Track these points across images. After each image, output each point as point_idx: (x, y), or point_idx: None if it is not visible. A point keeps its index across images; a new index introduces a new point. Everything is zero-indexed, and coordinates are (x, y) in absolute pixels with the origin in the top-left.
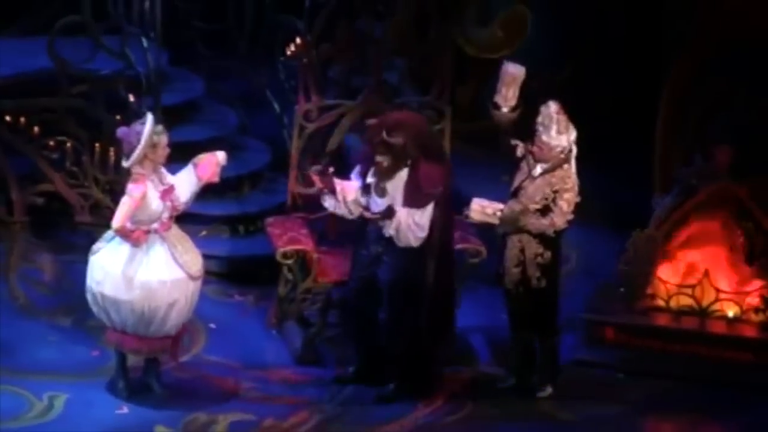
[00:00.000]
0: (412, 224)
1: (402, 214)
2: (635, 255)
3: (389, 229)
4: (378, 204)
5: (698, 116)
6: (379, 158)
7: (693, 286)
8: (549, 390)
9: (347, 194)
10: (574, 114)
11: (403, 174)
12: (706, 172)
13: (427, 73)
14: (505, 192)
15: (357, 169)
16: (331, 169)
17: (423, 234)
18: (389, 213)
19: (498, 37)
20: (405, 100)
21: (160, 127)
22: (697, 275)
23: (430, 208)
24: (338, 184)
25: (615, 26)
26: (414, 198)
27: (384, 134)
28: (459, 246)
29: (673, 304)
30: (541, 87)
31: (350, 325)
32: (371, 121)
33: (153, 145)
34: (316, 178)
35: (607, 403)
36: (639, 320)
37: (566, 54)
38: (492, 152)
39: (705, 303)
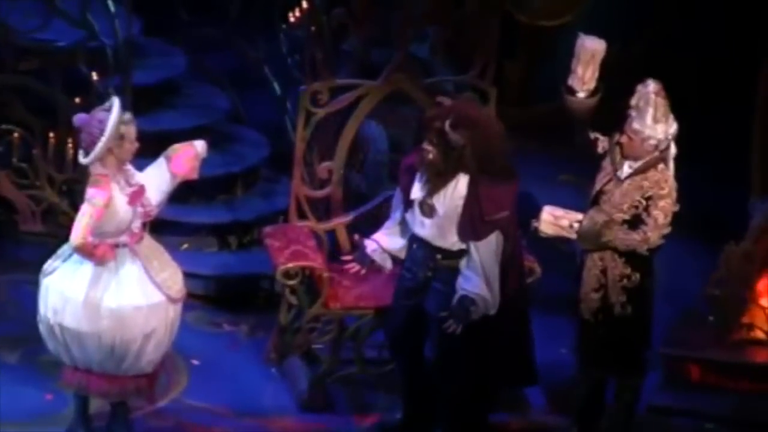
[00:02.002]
0: (476, 272)
1: (482, 290)
2: (728, 275)
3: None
4: (424, 225)
5: None
6: (427, 147)
7: None
8: None
9: (390, 246)
10: None
11: (457, 192)
12: None
13: (466, 45)
14: (563, 195)
15: (397, 194)
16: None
17: (497, 288)
18: (465, 310)
19: (556, 0)
20: (438, 79)
21: (128, 116)
22: None
23: (495, 242)
24: (371, 244)
25: None
26: (472, 227)
27: (447, 124)
28: None
29: None
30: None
31: (397, 364)
32: (442, 99)
33: (120, 137)
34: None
35: None
36: (732, 356)
37: (641, 22)
38: (548, 144)
39: None
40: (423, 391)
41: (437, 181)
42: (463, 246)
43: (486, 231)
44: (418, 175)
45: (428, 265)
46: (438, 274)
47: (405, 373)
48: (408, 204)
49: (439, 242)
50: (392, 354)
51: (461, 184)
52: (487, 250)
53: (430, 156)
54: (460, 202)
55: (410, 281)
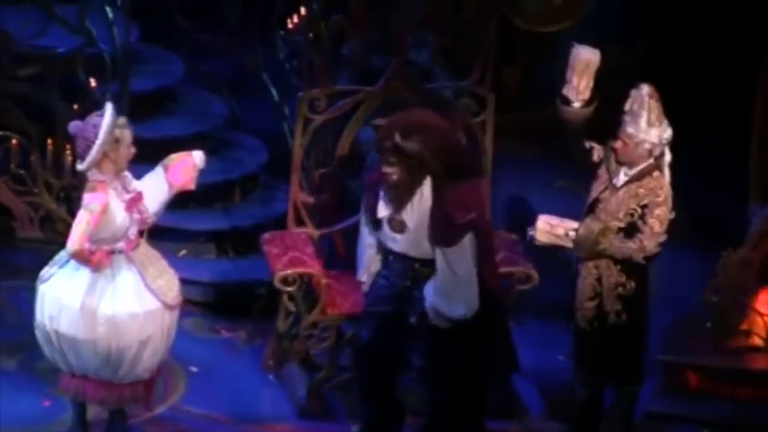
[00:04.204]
0: (451, 280)
1: (434, 299)
2: (726, 281)
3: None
4: (396, 241)
5: None
6: (387, 169)
7: None
8: None
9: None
10: None
11: (424, 202)
12: None
13: (464, 51)
14: (561, 201)
15: (363, 206)
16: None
17: (473, 289)
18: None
19: (555, 6)
20: (437, 85)
21: (123, 120)
22: None
23: (468, 243)
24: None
25: None
26: (443, 233)
27: (397, 137)
28: (504, 269)
29: None
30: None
31: (361, 371)
32: (381, 121)
33: (115, 141)
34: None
35: None
36: (730, 363)
37: (640, 28)
38: (545, 150)
39: None
40: (387, 402)
41: (404, 195)
42: None
43: (457, 235)
44: (381, 193)
45: (407, 275)
46: (418, 282)
47: (370, 382)
48: (375, 223)
49: (415, 253)
50: (358, 360)
51: (426, 193)
52: (459, 256)
53: (395, 177)
54: (428, 211)
55: (386, 289)
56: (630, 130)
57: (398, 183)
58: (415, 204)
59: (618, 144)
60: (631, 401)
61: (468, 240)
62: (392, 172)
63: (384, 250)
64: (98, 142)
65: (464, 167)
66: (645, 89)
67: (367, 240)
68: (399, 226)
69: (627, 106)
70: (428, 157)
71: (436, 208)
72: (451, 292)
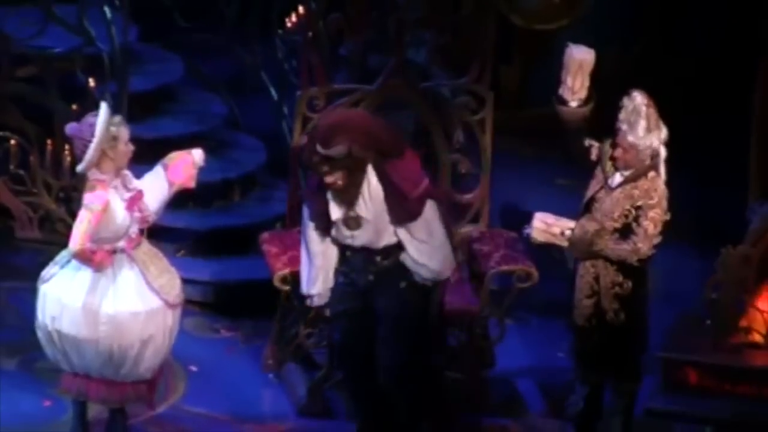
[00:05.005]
0: (426, 249)
1: (410, 251)
2: (726, 278)
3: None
4: (355, 237)
5: None
6: (329, 179)
7: None
8: None
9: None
10: None
11: (374, 191)
12: None
13: (463, 50)
14: (560, 198)
15: (307, 214)
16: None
17: (449, 247)
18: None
19: (553, 4)
20: (435, 84)
21: (118, 118)
22: None
23: (431, 210)
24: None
25: None
26: (405, 210)
27: (320, 149)
28: (504, 267)
29: None
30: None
31: (346, 372)
32: (302, 139)
33: (112, 138)
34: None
35: None
36: (730, 360)
37: (638, 25)
38: (544, 148)
39: None
40: (377, 395)
41: (354, 193)
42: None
43: (418, 207)
44: (329, 195)
45: (369, 269)
46: (381, 276)
47: (355, 380)
48: (327, 227)
49: (376, 244)
50: (340, 362)
51: (373, 182)
52: (428, 225)
53: (339, 182)
54: (382, 197)
55: (347, 286)
56: (630, 138)
57: (347, 186)
58: (367, 196)
59: (618, 152)
60: (630, 399)
61: (429, 207)
62: (335, 179)
63: (341, 247)
64: (95, 140)
65: (395, 142)
66: (639, 98)
67: (314, 248)
68: (355, 223)
69: (622, 116)
70: (357, 150)
71: (388, 191)
72: (430, 256)
